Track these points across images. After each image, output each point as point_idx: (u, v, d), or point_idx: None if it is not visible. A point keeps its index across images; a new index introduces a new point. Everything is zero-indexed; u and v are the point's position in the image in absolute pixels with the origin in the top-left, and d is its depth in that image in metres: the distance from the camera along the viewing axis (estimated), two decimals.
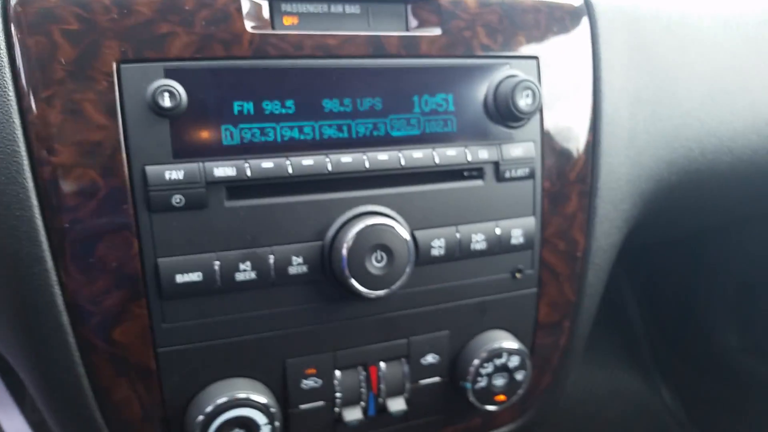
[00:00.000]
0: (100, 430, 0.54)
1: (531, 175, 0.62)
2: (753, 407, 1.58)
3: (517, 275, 0.63)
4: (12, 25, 0.47)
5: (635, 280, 1.81)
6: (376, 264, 0.55)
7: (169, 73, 0.50)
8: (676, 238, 1.47)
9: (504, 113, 0.59)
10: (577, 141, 0.65)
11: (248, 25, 0.52)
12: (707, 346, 1.65)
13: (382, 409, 0.61)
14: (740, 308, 1.52)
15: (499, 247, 0.61)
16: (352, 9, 0.57)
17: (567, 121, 0.64)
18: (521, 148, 0.61)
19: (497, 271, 0.63)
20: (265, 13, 0.54)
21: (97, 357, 0.51)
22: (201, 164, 0.51)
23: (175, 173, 0.50)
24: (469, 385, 0.61)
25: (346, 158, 0.55)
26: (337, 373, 0.59)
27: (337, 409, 0.59)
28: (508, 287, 0.64)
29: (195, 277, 0.51)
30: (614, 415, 1.75)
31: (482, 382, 0.62)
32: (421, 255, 0.58)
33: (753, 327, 1.50)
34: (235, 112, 0.52)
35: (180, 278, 0.51)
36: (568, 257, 0.66)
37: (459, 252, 0.59)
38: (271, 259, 0.53)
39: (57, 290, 0.49)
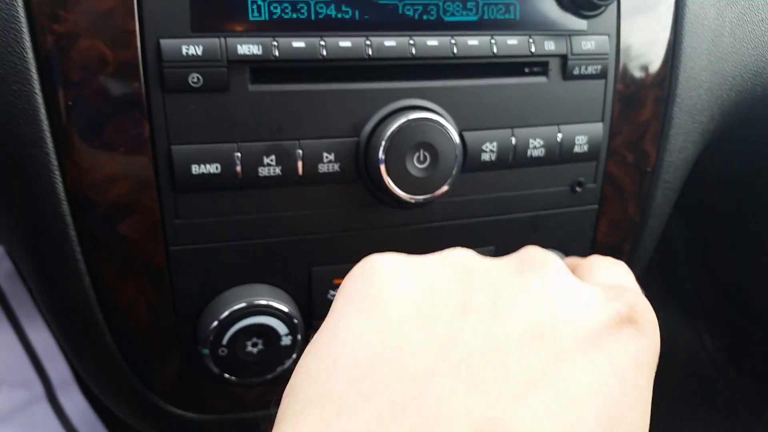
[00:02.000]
0: (102, 335, 0.49)
1: (603, 75, 0.53)
2: None
3: (577, 189, 0.56)
4: None
5: (684, 219, 1.73)
6: (417, 165, 0.48)
7: None
8: (739, 172, 1.37)
9: None
10: (656, 39, 0.56)
11: None
12: (758, 293, 1.57)
13: None
14: None
15: (559, 155, 0.53)
16: None
17: (646, 15, 0.55)
18: (594, 42, 0.52)
19: (554, 183, 0.55)
20: None
21: (100, 253, 0.46)
22: (223, 40, 0.44)
23: (193, 48, 0.43)
24: None
25: (390, 42, 0.47)
26: None
27: None
28: (566, 202, 0.56)
29: (213, 168, 0.45)
30: None
31: None
32: (469, 159, 0.50)
33: None
34: None
35: (196, 169, 0.45)
36: (637, 172, 0.58)
37: (513, 159, 0.52)
38: (300, 153, 0.47)
39: (57, 176, 0.44)
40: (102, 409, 1.10)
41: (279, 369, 0.50)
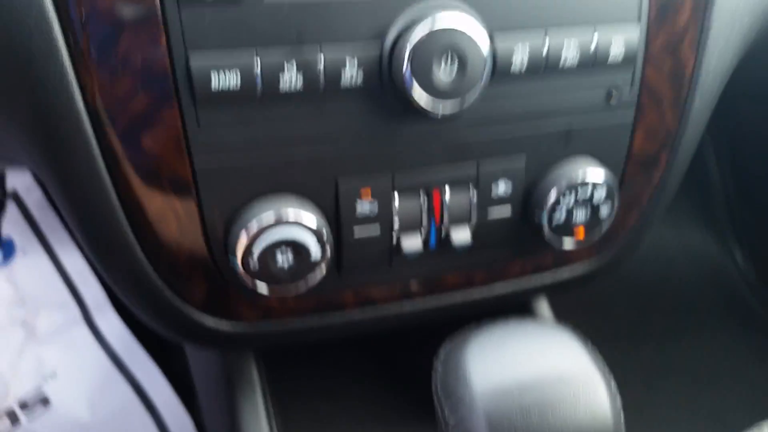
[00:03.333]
0: (132, 250, 0.49)
1: None
2: None
3: (613, 97, 0.53)
4: None
5: (717, 135, 1.68)
6: (445, 74, 0.45)
7: None
8: None
9: None
10: None
11: None
12: None
13: (445, 241, 0.55)
14: None
15: (594, 60, 0.50)
16: None
17: None
18: None
19: (588, 91, 0.52)
20: None
21: (124, 167, 0.46)
22: None
23: None
24: (545, 218, 0.54)
25: None
26: (396, 196, 0.52)
27: (394, 238, 0.53)
28: (600, 111, 0.54)
29: (232, 78, 0.43)
30: (683, 274, 1.70)
31: (560, 216, 0.54)
32: (499, 66, 0.48)
33: None
34: None
35: (215, 79, 0.43)
36: (675, 79, 0.55)
37: (546, 64, 0.49)
38: (321, 58, 0.45)
39: (76, 91, 0.43)
40: (138, 329, 1.13)
41: (310, 281, 0.50)
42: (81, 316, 1.15)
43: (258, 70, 0.44)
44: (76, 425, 1.06)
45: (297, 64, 0.44)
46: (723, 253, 1.69)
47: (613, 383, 0.34)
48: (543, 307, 0.81)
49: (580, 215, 0.54)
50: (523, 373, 0.34)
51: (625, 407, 0.36)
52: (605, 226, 0.56)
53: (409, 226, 0.53)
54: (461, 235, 0.54)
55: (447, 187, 0.53)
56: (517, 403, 0.32)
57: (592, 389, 0.34)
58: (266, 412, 0.62)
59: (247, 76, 0.44)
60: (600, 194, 0.54)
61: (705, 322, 1.58)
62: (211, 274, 0.52)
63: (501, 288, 0.62)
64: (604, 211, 0.55)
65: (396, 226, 0.53)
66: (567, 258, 0.62)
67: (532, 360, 0.34)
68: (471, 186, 0.53)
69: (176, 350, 1.10)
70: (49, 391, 1.08)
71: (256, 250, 0.47)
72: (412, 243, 0.53)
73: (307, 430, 0.67)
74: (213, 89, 0.43)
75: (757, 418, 0.77)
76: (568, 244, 0.56)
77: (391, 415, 0.69)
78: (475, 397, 0.33)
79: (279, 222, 0.47)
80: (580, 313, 1.46)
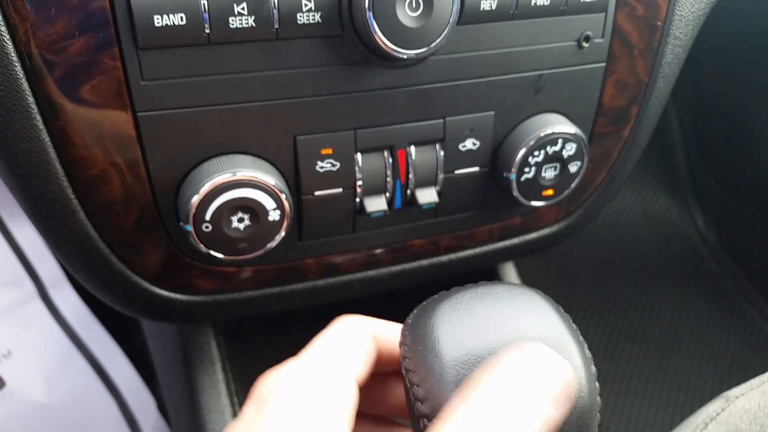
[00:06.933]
0: (74, 213, 0.45)
1: None
2: None
3: (584, 44, 0.51)
4: None
5: (680, 100, 1.68)
6: (410, 13, 0.42)
7: None
8: (741, 40, 1.31)
9: None
10: None
11: None
12: (750, 172, 1.56)
13: (410, 202, 0.52)
14: None
15: (565, 3, 0.48)
16: None
17: None
18: None
19: (560, 37, 0.50)
20: None
21: (63, 120, 0.41)
22: None
23: None
24: (513, 175, 0.52)
25: None
26: (359, 155, 0.49)
27: (358, 198, 0.51)
28: (571, 59, 0.51)
29: (177, 19, 0.40)
30: (645, 240, 1.72)
31: (529, 173, 0.52)
32: (467, 6, 0.45)
33: None
34: None
35: (158, 20, 0.39)
36: (647, 25, 0.53)
37: (516, 6, 0.46)
38: (275, 1, 0.41)
39: (4, 32, 0.39)
40: (97, 306, 1.09)
41: (268, 245, 0.47)
42: (37, 292, 1.10)
43: (205, 11, 0.40)
44: (33, 406, 1.02)
45: (248, 5, 0.41)
46: (685, 218, 1.71)
47: (586, 348, 0.32)
48: (510, 273, 0.79)
49: (550, 172, 0.53)
50: (495, 339, 0.32)
51: None
52: (574, 183, 0.54)
53: (372, 187, 0.50)
54: (427, 195, 0.51)
55: (413, 147, 0.50)
56: None
57: (565, 354, 0.32)
58: (227, 389, 0.59)
59: (192, 17, 0.40)
60: (569, 150, 0.52)
61: (667, 287, 1.60)
62: (162, 241, 0.48)
63: (468, 253, 0.60)
64: (574, 167, 0.53)
65: (359, 187, 0.50)
66: (535, 222, 0.61)
67: (504, 325, 0.32)
68: (438, 145, 0.51)
69: (136, 327, 1.06)
70: (4, 371, 1.03)
71: (211, 216, 0.44)
72: (376, 203, 0.51)
73: None
74: (156, 32, 0.40)
75: (717, 382, 0.77)
76: (537, 202, 0.54)
77: None
78: (445, 368, 0.31)
79: (233, 181, 0.44)
80: (544, 279, 1.46)
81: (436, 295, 0.35)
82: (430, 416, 0.30)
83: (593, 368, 0.32)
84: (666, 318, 1.49)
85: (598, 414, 0.32)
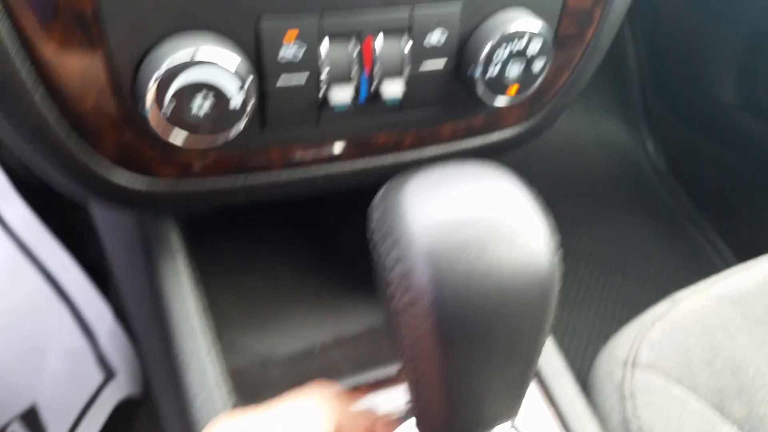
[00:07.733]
0: (29, 95, 0.43)
1: None
2: (736, 162, 1.57)
3: None
4: None
5: (637, 24, 1.69)
6: None
7: None
8: None
9: None
10: None
11: None
12: (702, 101, 1.60)
13: (375, 96, 0.52)
14: (746, 62, 1.42)
15: None
16: None
17: None
18: None
19: None
20: None
21: None
22: None
23: None
24: (478, 72, 0.52)
25: None
26: (325, 41, 0.48)
27: (322, 90, 0.50)
28: None
29: None
30: (595, 163, 1.76)
31: (494, 70, 0.52)
32: None
33: (755, 82, 1.42)
34: None
35: None
36: None
37: None
38: None
39: None
40: (43, 212, 1.06)
41: (230, 133, 0.47)
42: None
43: None
44: None
45: None
46: (635, 143, 1.76)
47: (549, 223, 0.33)
48: None
49: (514, 69, 0.53)
50: (464, 210, 0.33)
51: None
52: (538, 82, 0.55)
53: (338, 76, 0.50)
54: (392, 88, 0.51)
55: (380, 37, 0.49)
56: (456, 239, 0.31)
57: (530, 227, 0.33)
58: (190, 280, 0.59)
59: None
60: (535, 47, 0.52)
61: (615, 210, 1.65)
62: (121, 123, 0.47)
63: (432, 151, 0.60)
64: (538, 65, 0.53)
65: (324, 75, 0.49)
66: (499, 122, 0.61)
67: (473, 198, 0.33)
68: (405, 35, 0.50)
69: (89, 238, 1.04)
70: None
71: (168, 94, 0.43)
72: (341, 95, 0.50)
73: (235, 303, 0.66)
74: None
75: (661, 300, 0.81)
76: (501, 100, 0.54)
77: (325, 283, 0.68)
78: (414, 235, 0.32)
79: (193, 61, 0.42)
80: None
81: (406, 172, 0.36)
82: (400, 284, 0.31)
83: (555, 242, 0.33)
84: (613, 239, 1.55)
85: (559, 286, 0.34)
